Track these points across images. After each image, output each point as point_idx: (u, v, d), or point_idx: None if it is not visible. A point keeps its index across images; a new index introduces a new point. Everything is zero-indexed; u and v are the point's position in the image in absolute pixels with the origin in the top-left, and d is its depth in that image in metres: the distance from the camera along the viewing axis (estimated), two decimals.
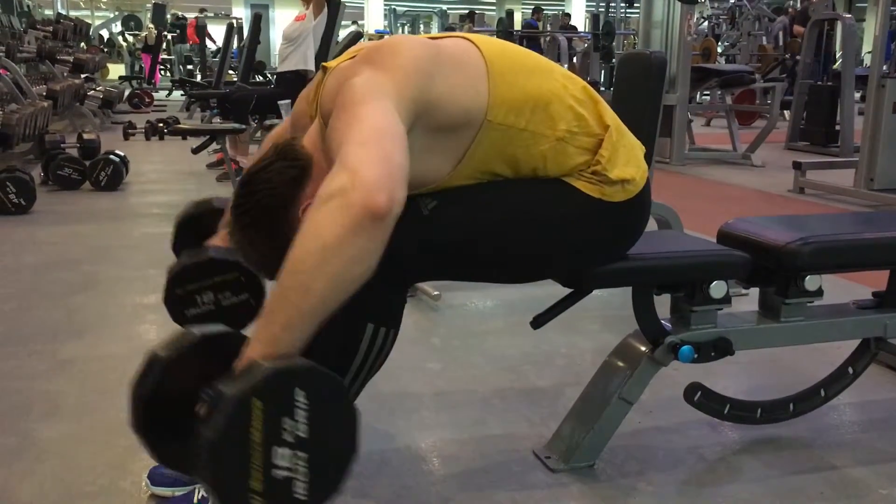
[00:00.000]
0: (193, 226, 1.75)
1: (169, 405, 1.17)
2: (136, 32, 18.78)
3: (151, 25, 15.80)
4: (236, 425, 1.01)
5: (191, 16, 18.27)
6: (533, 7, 15.64)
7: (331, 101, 1.34)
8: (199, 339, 1.19)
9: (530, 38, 12.97)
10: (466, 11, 20.10)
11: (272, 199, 1.42)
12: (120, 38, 20.29)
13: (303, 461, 1.05)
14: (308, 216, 1.12)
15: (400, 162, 1.17)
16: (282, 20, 18.91)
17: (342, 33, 6.56)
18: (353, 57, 1.42)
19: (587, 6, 22.97)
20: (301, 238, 1.11)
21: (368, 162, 1.13)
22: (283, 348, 1.09)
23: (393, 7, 25.82)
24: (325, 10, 5.47)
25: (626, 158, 1.49)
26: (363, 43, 1.49)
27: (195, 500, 1.45)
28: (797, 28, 11.05)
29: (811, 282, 1.75)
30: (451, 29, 17.56)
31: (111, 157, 5.31)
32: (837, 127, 7.63)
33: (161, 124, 8.11)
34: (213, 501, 1.04)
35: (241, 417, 1.01)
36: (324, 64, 1.48)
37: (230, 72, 9.53)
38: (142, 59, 16.24)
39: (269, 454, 1.03)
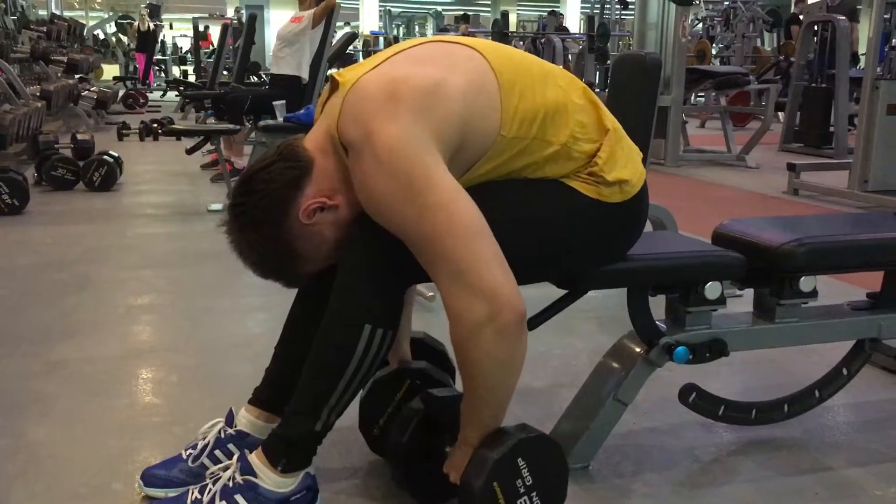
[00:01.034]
0: None
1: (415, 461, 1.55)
2: (131, 20, 18.53)
3: (144, 12, 15.60)
4: None
5: (187, 16, 18.23)
6: (549, 10, 15.62)
7: (354, 125, 1.31)
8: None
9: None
10: (462, 13, 20.07)
11: (271, 200, 1.41)
12: (114, 38, 20.24)
13: (536, 496, 1.41)
14: (467, 344, 1.29)
15: (500, 252, 1.29)
16: (276, 21, 18.90)
17: (337, 34, 6.56)
18: (375, 67, 1.39)
19: (582, 8, 23.02)
20: (476, 364, 1.31)
21: (489, 275, 1.26)
22: (494, 428, 1.41)
23: (388, 8, 25.81)
24: (324, 20, 5.46)
25: (624, 161, 1.49)
26: (380, 54, 1.46)
27: (188, 502, 1.44)
28: (794, 28, 11.09)
29: (806, 283, 1.75)
30: (445, 30, 17.52)
31: (105, 157, 5.29)
32: (831, 128, 7.65)
33: (155, 125, 8.09)
34: None
35: (491, 499, 1.36)
36: (335, 75, 1.44)
37: (224, 72, 9.51)
38: (136, 59, 16.11)
39: None
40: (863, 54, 8.87)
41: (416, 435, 1.52)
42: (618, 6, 12.84)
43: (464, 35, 7.86)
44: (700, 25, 14.20)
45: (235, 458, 1.46)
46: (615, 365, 1.75)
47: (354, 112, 1.33)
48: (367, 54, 18.44)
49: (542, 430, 1.45)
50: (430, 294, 2.85)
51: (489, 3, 27.67)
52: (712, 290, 1.68)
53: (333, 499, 1.61)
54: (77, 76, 9.30)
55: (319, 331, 1.39)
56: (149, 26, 15.10)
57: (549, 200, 1.45)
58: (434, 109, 1.31)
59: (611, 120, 1.50)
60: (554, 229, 1.46)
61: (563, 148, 1.43)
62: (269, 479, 1.41)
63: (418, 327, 1.73)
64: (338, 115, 1.36)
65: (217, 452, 1.59)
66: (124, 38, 19.40)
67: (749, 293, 1.88)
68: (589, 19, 11.63)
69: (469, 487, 1.37)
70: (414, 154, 1.27)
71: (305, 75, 5.53)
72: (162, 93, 14.35)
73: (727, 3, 13.95)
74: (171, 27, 18.58)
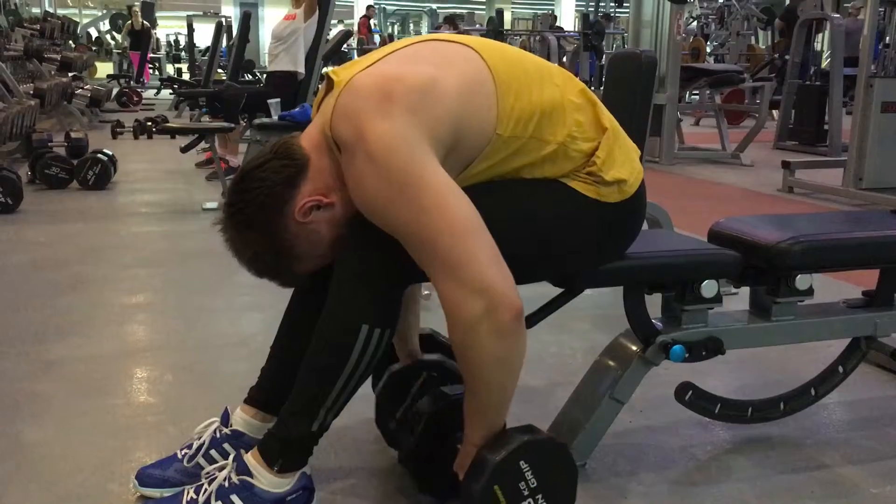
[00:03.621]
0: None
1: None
2: (127, 16, 18.36)
3: (137, 9, 15.47)
4: None
5: (182, 14, 18.13)
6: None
7: (347, 124, 1.31)
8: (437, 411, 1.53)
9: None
10: (450, 14, 19.94)
11: (267, 198, 1.40)
12: (108, 36, 20.16)
13: (542, 498, 1.39)
14: (464, 341, 1.28)
15: (496, 249, 1.28)
16: (271, 19, 18.84)
17: (331, 32, 6.54)
18: (369, 66, 1.38)
19: (577, 6, 23.04)
20: (474, 361, 1.30)
21: (485, 272, 1.25)
22: (496, 428, 1.39)
23: (382, 6, 25.78)
24: (317, 11, 5.45)
25: (622, 160, 1.49)
26: (376, 52, 1.46)
27: (184, 502, 1.44)
28: (778, 23, 11.14)
29: (802, 281, 1.75)
30: (439, 29, 17.43)
31: (99, 155, 5.28)
32: (826, 126, 7.67)
33: (149, 123, 8.07)
34: None
35: (491, 502, 1.35)
36: (329, 73, 1.43)
37: (218, 70, 9.49)
38: (130, 57, 15.97)
39: None
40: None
41: (427, 433, 1.51)
42: (612, 4, 12.85)
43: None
44: (694, 23, 14.22)
45: (231, 457, 1.46)
46: (611, 363, 1.74)
47: (347, 111, 1.32)
48: (361, 52, 18.39)
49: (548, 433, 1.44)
50: (426, 293, 2.85)
51: (484, 1, 27.66)
52: (708, 288, 1.68)
53: (329, 499, 1.60)
54: (71, 74, 9.26)
55: (316, 331, 1.38)
56: (142, 24, 15.02)
57: (548, 200, 1.44)
58: (428, 108, 1.30)
59: (608, 119, 1.50)
60: (553, 229, 1.46)
61: (561, 147, 1.42)
62: (265, 479, 1.41)
63: None
64: (331, 113, 1.35)
65: (213, 452, 1.59)
66: (118, 36, 19.28)
67: (745, 291, 1.88)
68: (584, 17, 11.64)
69: (469, 490, 1.36)
70: (407, 153, 1.26)
71: (301, 69, 5.52)
72: (156, 91, 14.30)
73: (721, 0, 13.96)
74: (159, 7, 18.33)
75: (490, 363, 1.30)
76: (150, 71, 17.48)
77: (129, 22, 15.39)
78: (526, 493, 1.37)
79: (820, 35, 9.27)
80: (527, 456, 1.37)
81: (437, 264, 1.27)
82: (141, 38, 15.05)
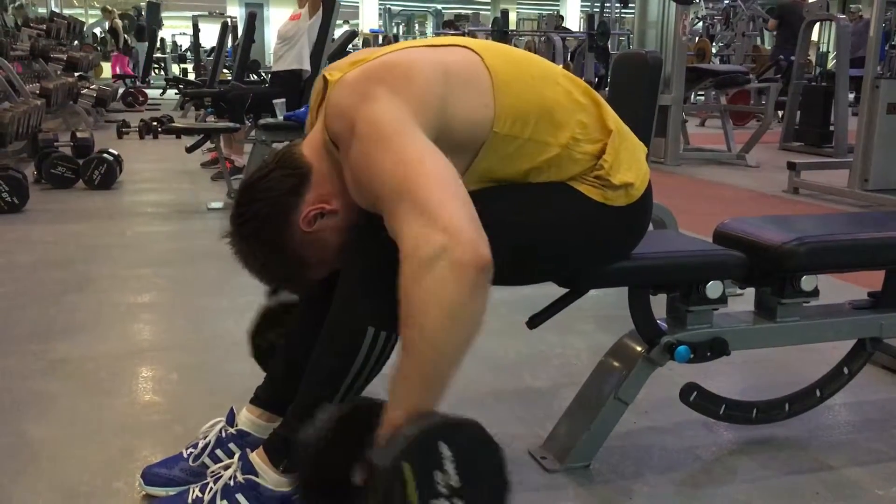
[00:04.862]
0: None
1: (326, 475, 1.28)
2: (133, 17, 18.23)
3: (110, 7, 15.39)
4: (393, 492, 1.10)
5: (187, 15, 18.12)
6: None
7: (340, 119, 1.31)
8: (338, 417, 1.29)
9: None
10: (454, 16, 19.92)
11: (272, 208, 1.41)
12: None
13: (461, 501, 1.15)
14: (415, 280, 1.13)
15: (472, 205, 1.19)
16: (276, 19, 18.87)
17: (337, 32, 6.55)
18: (355, 63, 1.39)
19: (582, 6, 23.03)
20: (420, 305, 1.13)
21: (455, 214, 1.15)
22: (423, 408, 1.17)
23: (388, 6, 25.79)
24: (321, 9, 5.46)
25: (629, 163, 1.48)
26: (365, 52, 1.47)
27: (189, 500, 1.44)
28: (772, 22, 11.11)
29: (807, 282, 1.75)
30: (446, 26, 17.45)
31: (105, 155, 5.29)
32: (831, 127, 7.66)
33: (155, 123, 8.09)
34: None
35: (397, 483, 1.10)
36: (324, 73, 1.44)
37: (224, 70, 9.50)
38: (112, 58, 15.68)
39: None
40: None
41: (323, 455, 1.27)
42: (618, 4, 12.83)
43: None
44: (700, 24, 14.21)
45: (237, 457, 1.46)
46: (616, 364, 1.74)
47: (338, 105, 1.33)
48: None
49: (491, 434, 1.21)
50: None
51: (489, 1, 27.67)
52: (713, 289, 1.68)
53: None
54: (76, 74, 9.28)
55: (322, 333, 1.39)
56: (114, 21, 14.95)
57: (554, 203, 1.44)
58: (411, 86, 1.30)
59: (614, 120, 1.49)
60: (560, 232, 1.46)
61: (564, 150, 1.42)
62: (270, 479, 1.41)
63: None
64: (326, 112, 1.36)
65: (218, 451, 1.59)
66: (127, 38, 19.32)
67: (750, 292, 1.88)
68: (589, 17, 11.63)
69: (371, 468, 1.13)
70: (392, 118, 1.26)
71: (307, 66, 5.51)
72: (161, 91, 14.32)
73: (727, 1, 13.95)
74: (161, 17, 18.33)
75: (437, 310, 1.12)
76: (156, 72, 17.47)
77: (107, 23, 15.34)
78: (443, 490, 1.13)
79: (815, 36, 9.27)
80: (450, 440, 1.14)
81: (406, 205, 1.19)
82: (118, 38, 14.92)
